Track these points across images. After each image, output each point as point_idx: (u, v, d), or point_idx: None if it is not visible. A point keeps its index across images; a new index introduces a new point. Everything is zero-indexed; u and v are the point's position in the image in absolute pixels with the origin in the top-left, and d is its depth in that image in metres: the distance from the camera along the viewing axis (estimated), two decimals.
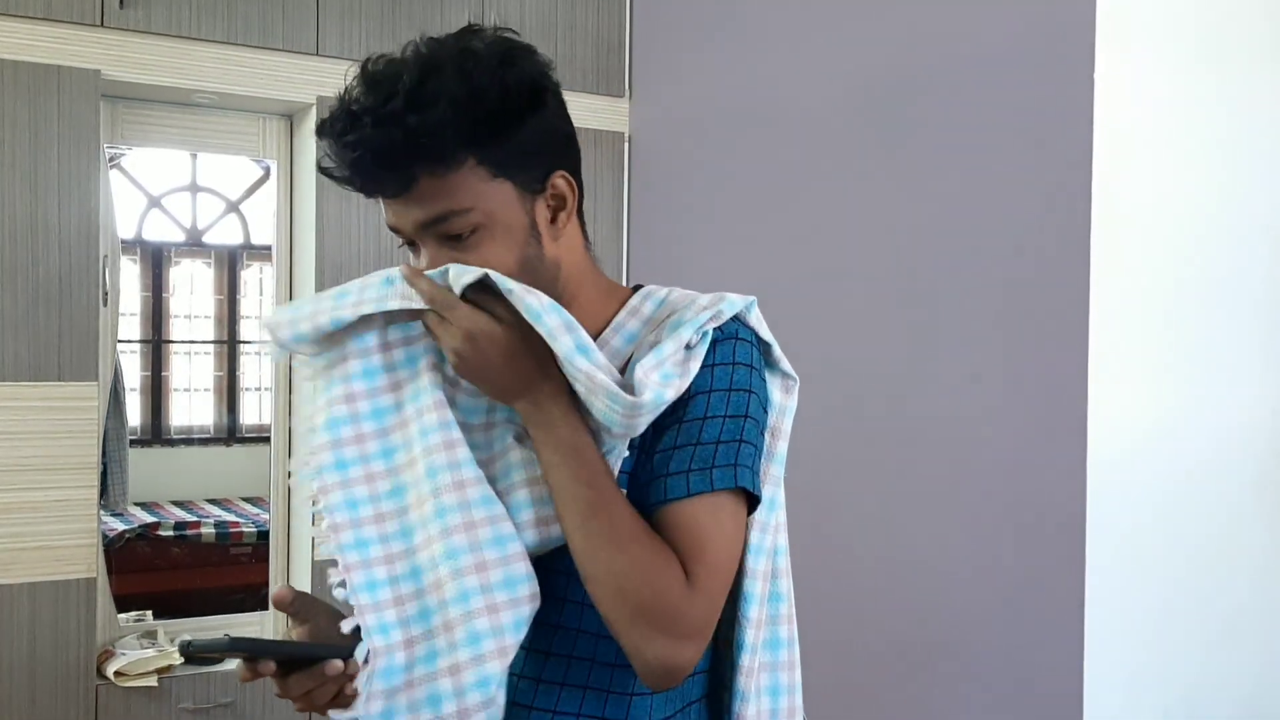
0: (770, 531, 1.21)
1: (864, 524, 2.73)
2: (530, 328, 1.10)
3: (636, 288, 1.28)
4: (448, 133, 1.10)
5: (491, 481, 1.14)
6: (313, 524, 1.18)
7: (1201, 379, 2.40)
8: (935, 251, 2.58)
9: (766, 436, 1.20)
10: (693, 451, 1.12)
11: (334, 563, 1.12)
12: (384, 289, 1.13)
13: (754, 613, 1.19)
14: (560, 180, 1.18)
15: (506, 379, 1.12)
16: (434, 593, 1.10)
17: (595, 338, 1.17)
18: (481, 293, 1.11)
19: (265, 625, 3.35)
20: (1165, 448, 2.36)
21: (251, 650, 1.08)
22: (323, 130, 1.14)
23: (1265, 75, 2.47)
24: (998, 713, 2.41)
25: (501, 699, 1.10)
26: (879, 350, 2.69)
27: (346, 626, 1.10)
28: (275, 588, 1.18)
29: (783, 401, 1.23)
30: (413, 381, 1.16)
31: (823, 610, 2.80)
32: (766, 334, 1.21)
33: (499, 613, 1.09)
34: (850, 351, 2.76)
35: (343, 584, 1.11)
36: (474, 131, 1.11)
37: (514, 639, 1.10)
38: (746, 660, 1.19)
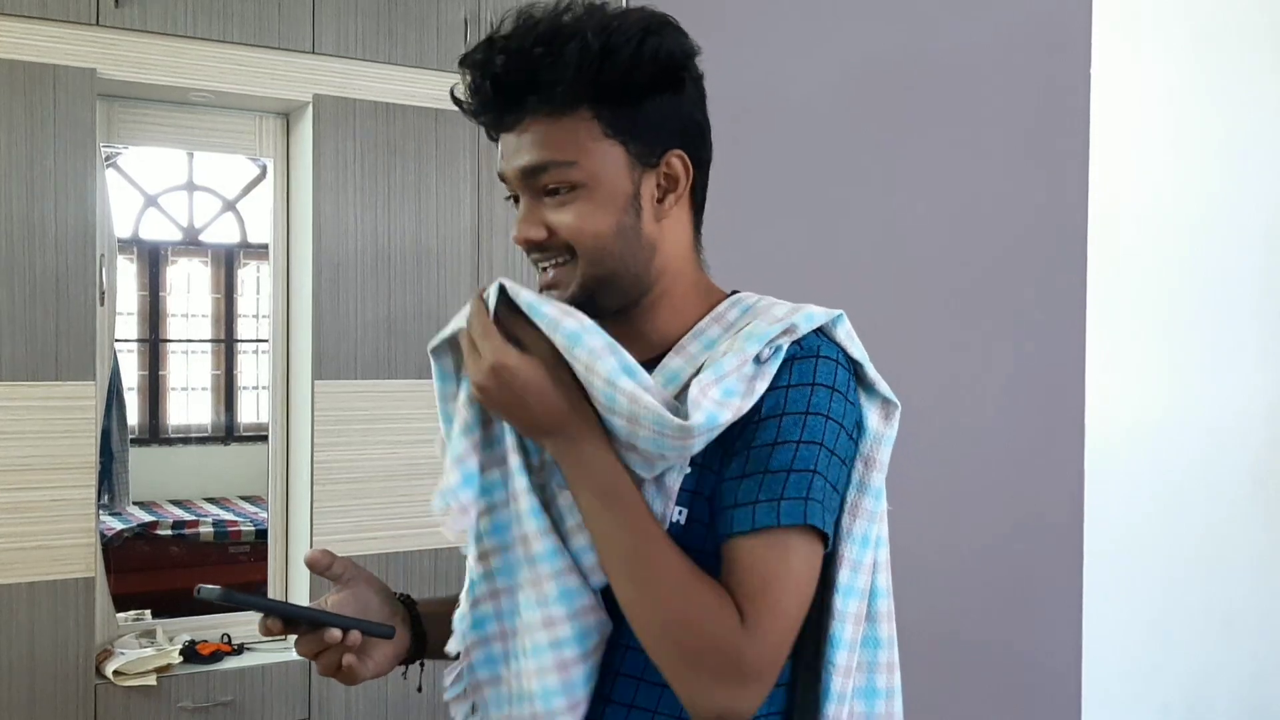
0: (865, 571, 1.12)
1: None
2: (560, 358, 1.05)
3: (734, 293, 1.22)
4: (568, 74, 1.07)
5: (557, 524, 1.10)
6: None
7: (1198, 374, 2.40)
8: (933, 247, 2.57)
9: (859, 465, 1.12)
10: (760, 481, 1.05)
11: None
12: (457, 321, 1.12)
13: (842, 659, 1.11)
14: (676, 160, 1.14)
15: (534, 415, 1.06)
16: (516, 640, 1.11)
17: (674, 342, 1.14)
18: (517, 315, 1.07)
19: None
20: (1162, 443, 2.36)
21: (249, 605, 1.08)
22: (462, 59, 1.13)
23: (1262, 70, 2.47)
24: (997, 708, 2.41)
25: None
26: (877, 347, 2.69)
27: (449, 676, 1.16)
28: (308, 552, 1.18)
29: (880, 429, 1.14)
30: (501, 464, 1.13)
31: None
32: (858, 352, 1.14)
33: (568, 669, 1.07)
34: (866, 354, 2.75)
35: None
36: (596, 84, 1.08)
37: (584, 692, 1.09)
38: (833, 710, 1.11)
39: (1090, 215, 2.25)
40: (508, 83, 1.09)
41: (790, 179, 3.00)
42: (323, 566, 1.16)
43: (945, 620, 2.52)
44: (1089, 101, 2.25)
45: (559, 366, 1.06)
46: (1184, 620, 2.38)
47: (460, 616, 1.15)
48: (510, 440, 1.10)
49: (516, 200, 1.16)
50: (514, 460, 1.10)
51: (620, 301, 1.15)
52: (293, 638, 1.12)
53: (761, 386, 1.06)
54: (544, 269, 1.16)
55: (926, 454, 2.58)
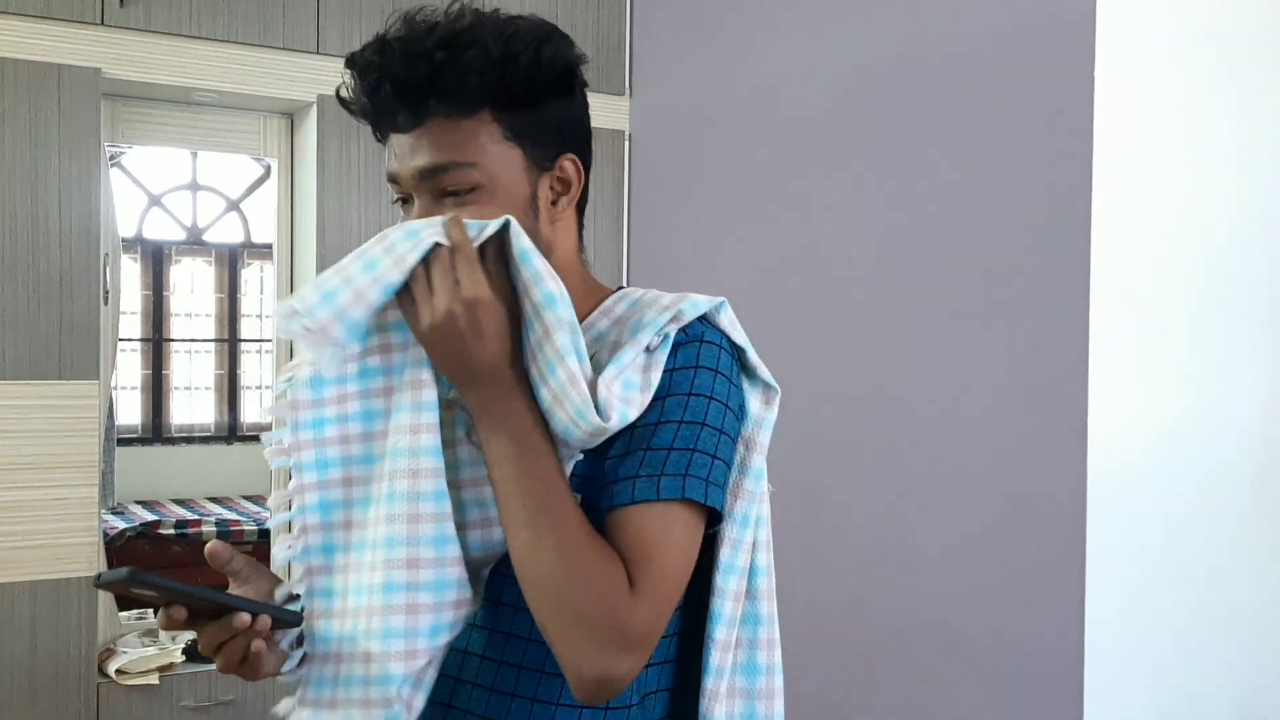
0: (744, 550, 1.14)
1: (864, 522, 2.73)
2: (514, 311, 1.07)
3: (619, 288, 1.25)
4: (471, 79, 1.09)
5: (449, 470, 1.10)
6: (288, 530, 1.16)
7: (1202, 377, 2.40)
8: (936, 250, 2.58)
9: (740, 447, 1.14)
10: (642, 457, 1.07)
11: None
12: (409, 242, 1.06)
13: (722, 634, 1.13)
14: (569, 164, 1.17)
15: (480, 357, 1.06)
16: (368, 572, 1.08)
17: None
18: (497, 257, 1.07)
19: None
20: (1165, 447, 2.36)
21: (155, 587, 1.03)
22: (351, 60, 1.13)
23: (1269, 71, 2.47)
24: (999, 710, 2.41)
25: (415, 703, 1.08)
26: (880, 348, 2.69)
27: (280, 593, 1.12)
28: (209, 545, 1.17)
29: (760, 413, 1.16)
30: (408, 390, 1.11)
31: (823, 607, 2.80)
32: (740, 338, 1.15)
33: (417, 614, 1.06)
34: (851, 349, 2.76)
35: (290, 547, 1.13)
36: (497, 88, 1.11)
37: (427, 644, 1.06)
38: (711, 683, 1.13)
39: (1093, 219, 2.25)
40: (408, 84, 1.10)
41: (796, 182, 3.01)
42: (223, 560, 1.15)
43: (947, 622, 2.52)
44: (1092, 103, 2.25)
45: (518, 312, 1.08)
46: (1187, 625, 2.38)
47: (298, 537, 1.13)
48: (426, 374, 1.09)
49: (405, 202, 1.17)
50: (427, 394, 1.09)
51: None
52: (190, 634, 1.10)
53: (655, 376, 1.09)
54: None
55: (928, 457, 2.58)
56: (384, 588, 1.06)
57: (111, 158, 3.17)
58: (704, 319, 1.14)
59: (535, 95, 1.13)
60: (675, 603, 1.07)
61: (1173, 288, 2.37)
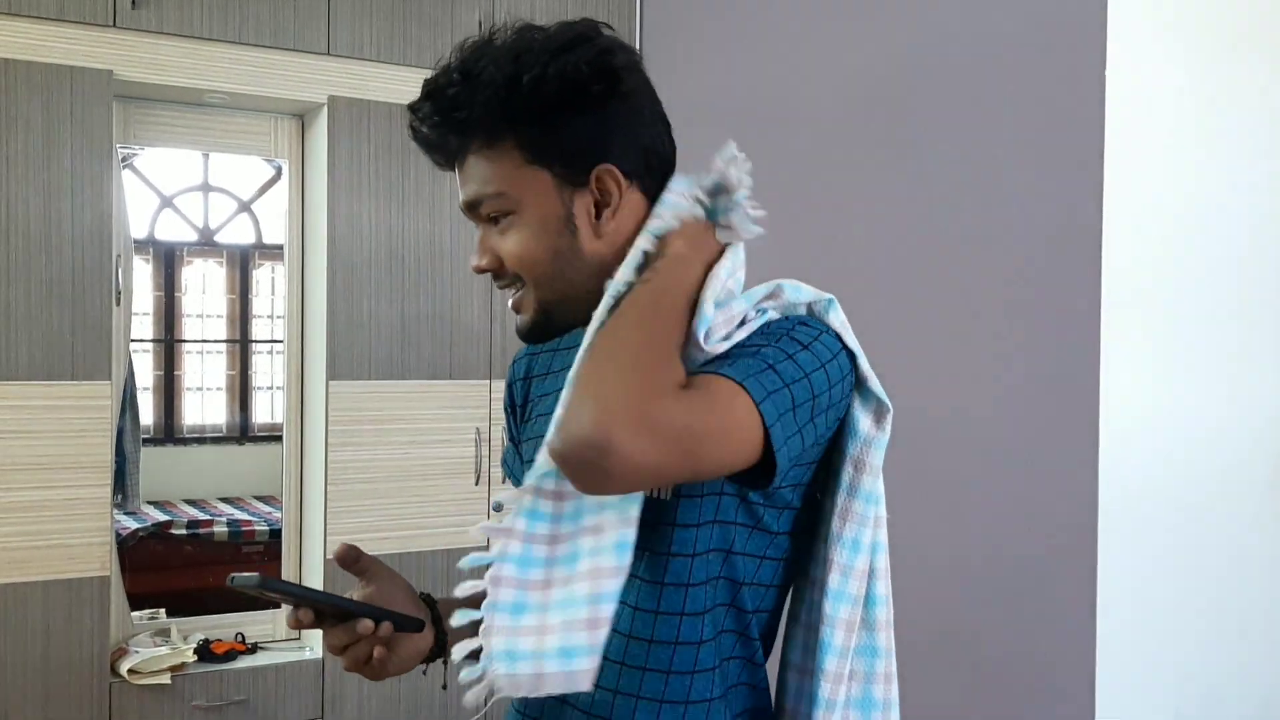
0: (856, 576, 1.10)
1: None
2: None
3: None
4: (477, 110, 1.09)
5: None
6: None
7: (1214, 374, 2.39)
8: (946, 248, 2.57)
9: (848, 468, 1.10)
10: (726, 359, 1.05)
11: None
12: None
13: (832, 665, 1.09)
14: (607, 176, 1.13)
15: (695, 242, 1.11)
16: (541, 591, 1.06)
17: None
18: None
19: (277, 624, 3.35)
20: (1177, 445, 2.35)
21: (282, 592, 1.08)
22: (411, 105, 1.16)
23: (1277, 69, 2.46)
24: (1011, 709, 2.40)
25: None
26: (889, 348, 2.69)
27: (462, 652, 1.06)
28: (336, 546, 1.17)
29: (871, 432, 1.11)
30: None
31: None
32: (851, 341, 1.12)
33: (598, 629, 1.01)
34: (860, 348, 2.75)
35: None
36: (512, 115, 1.09)
37: (600, 659, 1.02)
38: (821, 716, 1.09)
39: (1105, 216, 2.24)
40: (435, 124, 1.12)
41: (806, 183, 3.00)
42: (350, 561, 1.16)
43: (959, 622, 2.52)
44: (1103, 101, 2.24)
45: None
46: (1199, 623, 2.37)
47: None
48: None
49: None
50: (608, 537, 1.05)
51: (578, 317, 1.14)
52: (314, 633, 1.12)
53: (739, 335, 1.07)
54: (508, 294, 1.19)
55: (939, 456, 2.57)
56: (564, 604, 1.03)
57: (123, 159, 3.18)
58: (809, 309, 1.12)
59: (551, 112, 1.09)
60: (700, 443, 0.98)
61: (1184, 290, 2.36)
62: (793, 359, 1.05)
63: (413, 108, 1.14)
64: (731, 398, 1.00)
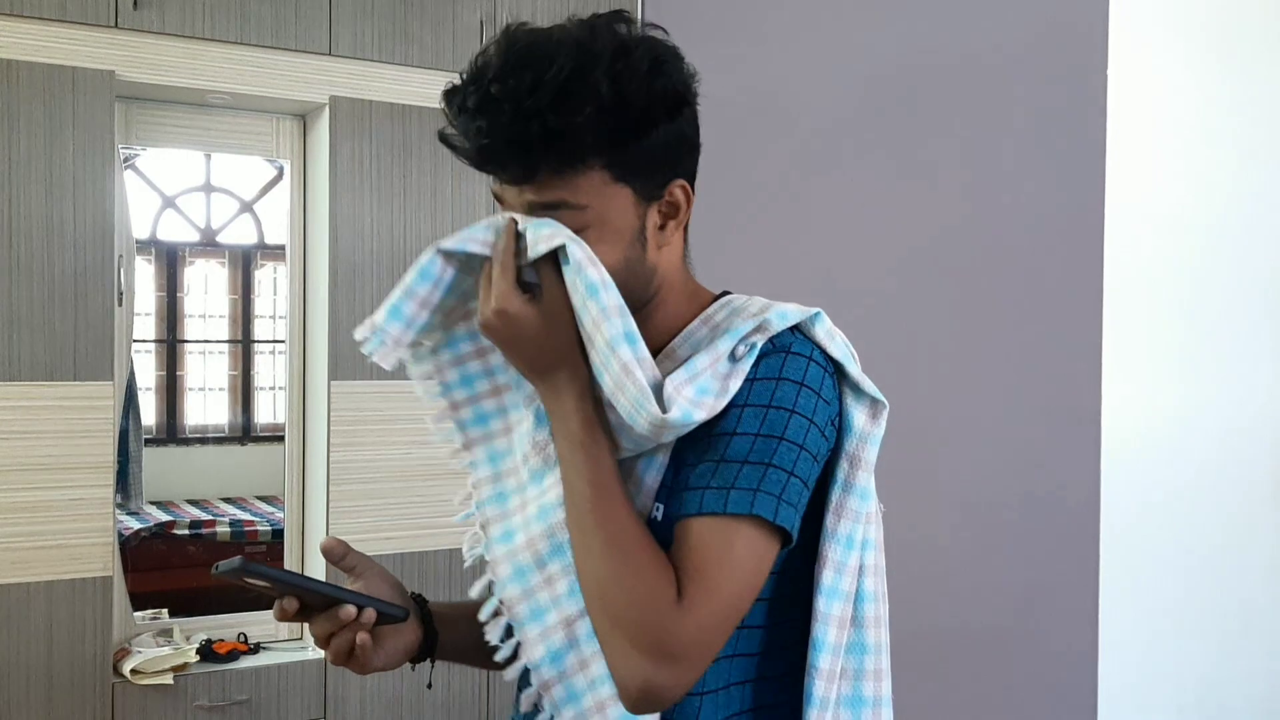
0: (848, 573, 1.11)
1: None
2: (567, 307, 1.06)
3: (724, 294, 1.22)
4: (586, 139, 1.06)
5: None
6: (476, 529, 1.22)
7: (1215, 373, 2.39)
8: (948, 249, 2.57)
9: (844, 464, 1.11)
10: (714, 469, 1.04)
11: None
12: (485, 234, 1.10)
13: (825, 663, 1.09)
14: (678, 190, 1.14)
15: (527, 358, 1.08)
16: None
17: (666, 344, 1.14)
18: (548, 254, 1.07)
19: (280, 624, 3.36)
20: (1179, 444, 2.35)
21: (266, 578, 1.08)
22: (453, 101, 1.10)
23: (1277, 69, 2.45)
24: (1013, 708, 2.40)
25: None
26: (892, 347, 2.69)
27: (475, 591, 1.17)
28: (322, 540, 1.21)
29: (866, 428, 1.12)
30: (515, 389, 1.17)
31: None
32: (838, 351, 1.12)
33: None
34: (863, 348, 2.75)
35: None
36: (610, 138, 1.07)
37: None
38: (815, 714, 1.09)
39: (1107, 216, 2.24)
40: (518, 144, 1.07)
41: (806, 183, 3.00)
42: (337, 556, 1.17)
43: (961, 620, 2.52)
44: (1106, 101, 2.24)
45: (562, 314, 1.06)
46: (1201, 621, 2.37)
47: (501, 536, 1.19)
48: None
49: (502, 201, 1.15)
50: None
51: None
52: (308, 638, 1.14)
53: (735, 384, 1.06)
54: None
55: (941, 455, 2.57)
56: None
57: (125, 160, 3.18)
58: (797, 330, 1.11)
59: (646, 132, 1.09)
60: (731, 621, 1.03)
61: (1186, 288, 2.36)
62: (784, 440, 1.05)
63: (483, 127, 1.07)
64: (728, 545, 1.02)
